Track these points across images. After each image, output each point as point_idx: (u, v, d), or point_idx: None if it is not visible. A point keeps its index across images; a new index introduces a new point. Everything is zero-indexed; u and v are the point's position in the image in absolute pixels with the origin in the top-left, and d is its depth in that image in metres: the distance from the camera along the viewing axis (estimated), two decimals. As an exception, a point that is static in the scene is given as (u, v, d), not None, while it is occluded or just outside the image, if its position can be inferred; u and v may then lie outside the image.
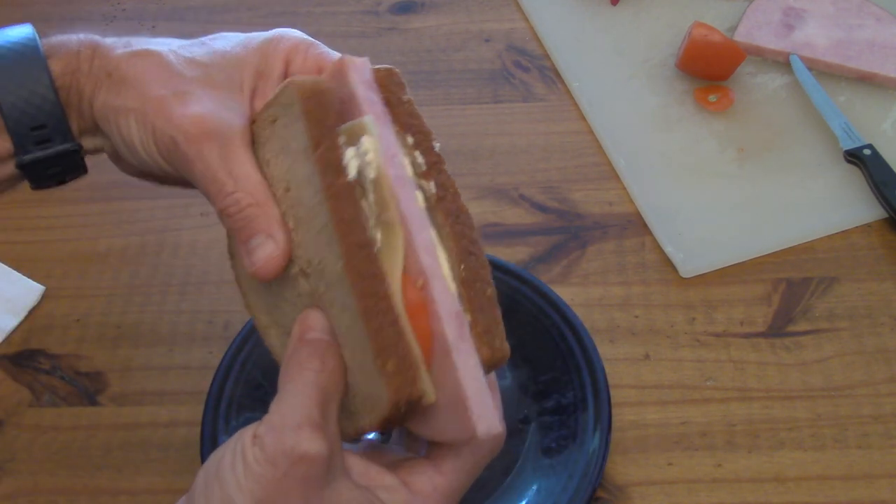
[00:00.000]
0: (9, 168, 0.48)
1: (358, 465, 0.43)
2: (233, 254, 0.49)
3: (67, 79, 0.48)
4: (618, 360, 0.65)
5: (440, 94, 0.83)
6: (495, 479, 0.60)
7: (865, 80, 0.80)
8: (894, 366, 0.64)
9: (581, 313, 0.65)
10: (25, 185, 0.78)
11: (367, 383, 0.42)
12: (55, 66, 0.47)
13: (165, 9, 0.92)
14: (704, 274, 0.70)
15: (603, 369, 0.61)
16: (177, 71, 0.46)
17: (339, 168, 0.42)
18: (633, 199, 0.74)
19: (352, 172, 0.42)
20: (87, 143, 0.49)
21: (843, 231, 0.71)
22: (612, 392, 0.61)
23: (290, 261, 0.45)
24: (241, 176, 0.45)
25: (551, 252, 0.71)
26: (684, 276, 0.69)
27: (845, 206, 0.72)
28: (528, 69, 0.84)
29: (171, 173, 0.48)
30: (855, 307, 0.67)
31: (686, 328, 0.67)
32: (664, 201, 0.73)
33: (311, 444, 0.40)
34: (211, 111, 0.45)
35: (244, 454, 0.40)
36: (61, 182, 0.51)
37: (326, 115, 0.44)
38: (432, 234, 0.44)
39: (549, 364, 0.63)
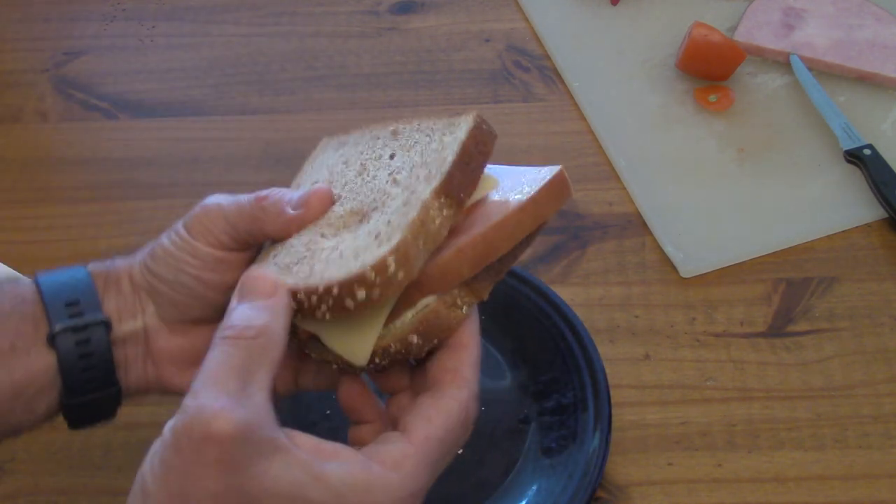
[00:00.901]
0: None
1: (308, 442, 0.40)
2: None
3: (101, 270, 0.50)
4: (618, 360, 0.65)
5: (440, 94, 0.83)
6: (495, 478, 0.60)
7: (865, 80, 0.80)
8: (894, 366, 0.65)
9: (581, 313, 0.65)
10: (25, 185, 0.79)
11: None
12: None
13: (165, 9, 0.92)
14: (704, 274, 0.70)
15: (603, 369, 0.61)
16: None
17: None
18: (633, 199, 0.74)
19: None
20: (124, 326, 0.49)
21: (843, 231, 0.71)
22: (613, 392, 0.61)
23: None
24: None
25: (551, 252, 0.71)
26: (684, 276, 0.69)
27: (845, 206, 0.72)
28: (528, 69, 0.84)
29: (209, 275, 0.48)
30: (855, 307, 0.67)
31: (686, 328, 0.67)
32: (664, 201, 0.73)
33: (219, 422, 0.37)
34: None
35: (159, 444, 0.38)
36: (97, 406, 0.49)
37: None
38: None
39: (549, 364, 0.63)
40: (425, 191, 0.43)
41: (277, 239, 0.48)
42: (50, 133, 0.82)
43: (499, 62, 0.85)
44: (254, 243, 0.49)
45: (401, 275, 0.41)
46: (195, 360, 0.47)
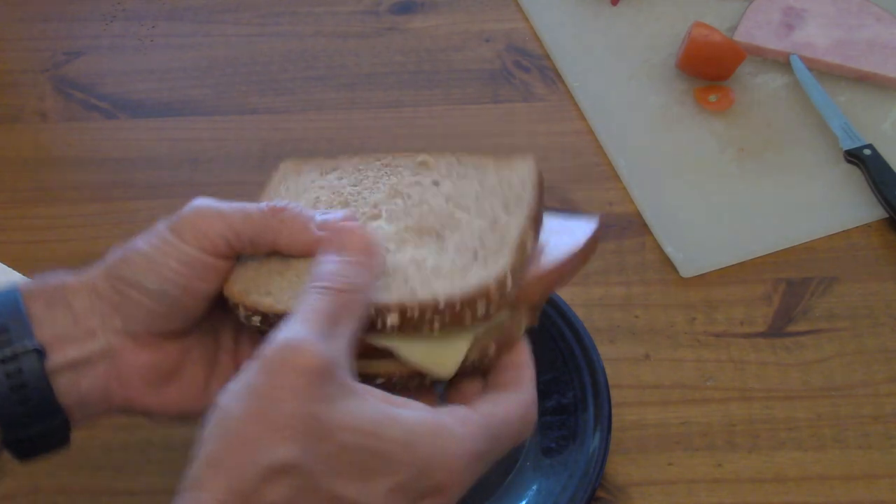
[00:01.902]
0: None
1: (380, 392, 0.41)
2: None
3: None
4: (618, 360, 0.65)
5: (440, 94, 0.83)
6: (495, 478, 0.60)
7: (865, 80, 0.80)
8: (894, 366, 0.65)
9: (581, 313, 0.65)
10: (25, 185, 0.79)
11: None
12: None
13: (165, 9, 0.92)
14: (704, 274, 0.70)
15: (603, 369, 0.61)
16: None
17: None
18: (633, 199, 0.74)
19: None
20: (69, 351, 0.44)
21: (843, 231, 0.72)
22: (612, 392, 0.61)
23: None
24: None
25: (551, 252, 0.71)
26: (684, 276, 0.69)
27: (845, 206, 0.72)
28: (528, 69, 0.84)
29: (196, 284, 0.46)
30: (855, 307, 0.67)
31: (686, 328, 0.67)
32: (664, 201, 0.73)
33: (307, 352, 0.38)
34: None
35: (241, 371, 0.39)
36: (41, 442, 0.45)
37: None
38: None
39: (550, 364, 0.63)
40: (513, 221, 0.46)
41: (288, 254, 0.46)
42: (50, 133, 0.82)
43: (499, 62, 0.85)
44: (250, 252, 0.47)
45: (513, 291, 0.44)
46: (170, 376, 0.47)
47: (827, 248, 0.71)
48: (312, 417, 0.38)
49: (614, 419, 0.60)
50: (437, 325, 0.43)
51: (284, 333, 0.39)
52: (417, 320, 0.43)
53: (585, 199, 0.74)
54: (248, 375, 0.38)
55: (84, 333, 0.45)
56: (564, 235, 0.49)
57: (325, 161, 0.53)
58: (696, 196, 0.73)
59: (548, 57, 0.85)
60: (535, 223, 0.47)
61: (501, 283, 0.43)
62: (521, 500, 0.58)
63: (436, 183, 0.49)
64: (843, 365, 0.65)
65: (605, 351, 0.65)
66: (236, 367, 0.47)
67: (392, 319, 0.43)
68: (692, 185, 0.74)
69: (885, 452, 0.61)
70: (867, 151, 0.74)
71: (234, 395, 0.38)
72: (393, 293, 0.43)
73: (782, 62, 0.82)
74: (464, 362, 0.45)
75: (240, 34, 0.89)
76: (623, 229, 0.72)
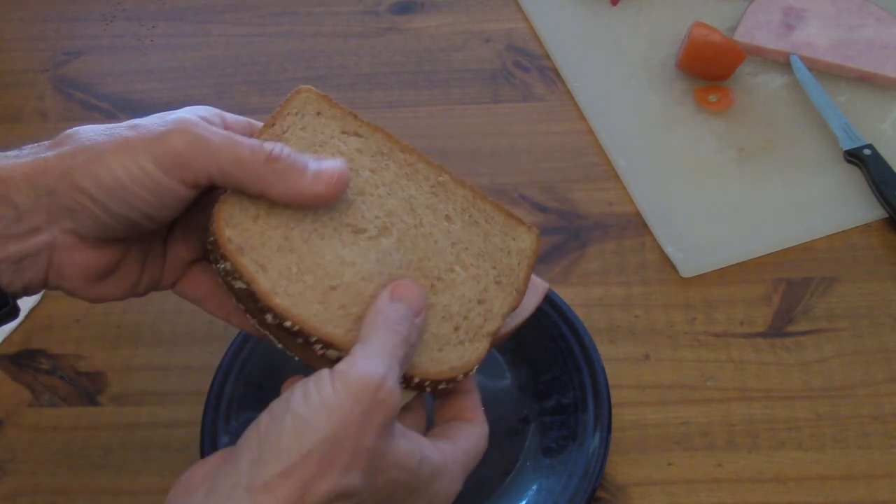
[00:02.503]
0: None
1: (411, 433, 0.45)
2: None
3: None
4: (618, 360, 0.65)
5: (440, 94, 0.83)
6: (495, 479, 0.60)
7: (865, 80, 0.80)
8: (894, 366, 0.65)
9: (581, 313, 0.65)
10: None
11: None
12: None
13: (165, 9, 0.92)
14: (704, 274, 0.70)
15: (603, 370, 0.61)
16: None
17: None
18: (633, 199, 0.74)
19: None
20: (11, 246, 0.44)
21: (843, 231, 0.72)
22: (612, 392, 0.61)
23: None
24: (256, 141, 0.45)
25: (551, 252, 0.71)
26: (684, 276, 0.69)
27: (845, 206, 0.72)
28: (528, 69, 0.84)
29: (165, 212, 0.45)
30: (855, 307, 0.67)
31: (686, 328, 0.67)
32: (664, 201, 0.73)
33: (392, 392, 0.41)
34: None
35: (321, 386, 0.41)
36: None
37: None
38: None
39: (550, 364, 0.63)
40: (498, 298, 0.49)
41: (280, 202, 0.45)
42: (50, 133, 0.81)
43: (499, 62, 0.85)
44: (233, 190, 0.45)
45: (472, 375, 0.48)
46: (108, 274, 0.47)
47: (827, 248, 0.71)
48: (380, 453, 0.41)
49: (614, 419, 0.60)
50: (413, 385, 0.47)
51: (371, 367, 0.41)
52: (415, 383, 0.47)
53: (585, 199, 0.74)
54: (332, 395, 0.40)
55: (26, 231, 0.44)
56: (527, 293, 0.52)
57: (348, 116, 0.50)
58: (696, 196, 0.73)
59: (548, 57, 0.85)
60: (517, 304, 0.50)
61: (468, 372, 0.47)
62: (521, 500, 0.58)
63: (448, 218, 0.50)
64: (843, 365, 0.65)
65: (605, 351, 0.65)
66: (165, 262, 0.50)
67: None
68: (692, 185, 0.74)
69: (885, 452, 0.61)
70: (867, 151, 0.74)
71: (318, 410, 0.40)
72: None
73: (782, 62, 0.82)
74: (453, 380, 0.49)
75: (240, 34, 0.89)
76: (623, 229, 0.72)
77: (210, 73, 0.86)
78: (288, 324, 0.44)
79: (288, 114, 0.49)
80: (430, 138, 0.79)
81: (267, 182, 0.43)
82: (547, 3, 0.88)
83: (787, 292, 0.68)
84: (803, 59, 0.80)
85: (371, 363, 0.41)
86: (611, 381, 0.62)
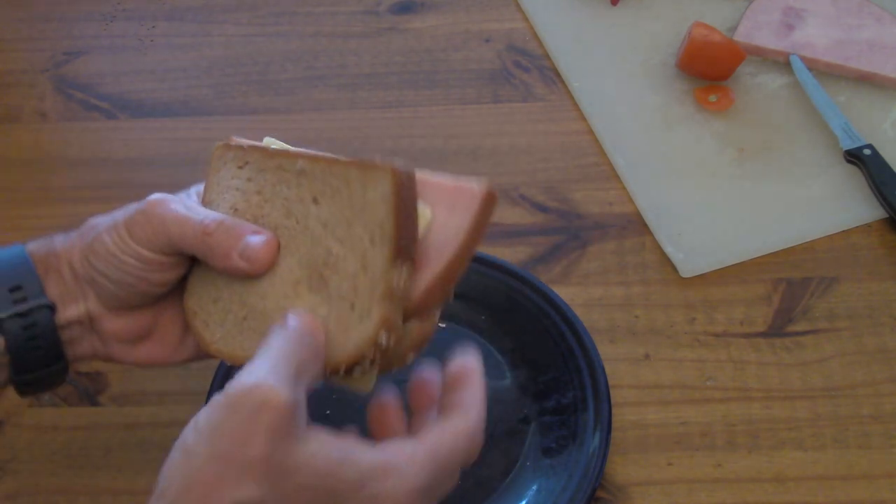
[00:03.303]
0: None
1: (329, 434, 0.43)
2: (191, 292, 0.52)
3: (42, 251, 0.51)
4: (618, 360, 0.65)
5: (440, 94, 0.83)
6: (495, 478, 0.60)
7: (865, 80, 0.80)
8: (894, 366, 0.64)
9: (581, 313, 0.65)
10: (25, 185, 0.79)
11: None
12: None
13: (165, 9, 0.92)
14: (704, 274, 0.70)
15: (603, 370, 0.61)
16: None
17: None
18: (633, 199, 0.74)
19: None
20: (68, 311, 0.50)
21: (843, 231, 0.71)
22: (612, 392, 0.61)
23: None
24: (208, 213, 0.49)
25: (551, 252, 0.71)
26: (684, 276, 0.69)
27: (845, 206, 0.72)
28: (528, 69, 0.84)
29: (151, 275, 0.49)
30: (855, 307, 0.67)
31: (686, 328, 0.67)
32: (664, 201, 0.73)
33: (274, 392, 0.40)
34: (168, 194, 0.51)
35: (205, 410, 0.41)
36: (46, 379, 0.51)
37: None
38: None
39: (550, 364, 0.63)
40: (378, 257, 0.46)
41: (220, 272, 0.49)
42: (50, 133, 0.82)
43: (499, 62, 0.85)
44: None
45: (392, 339, 0.46)
46: (141, 337, 0.52)
47: (827, 248, 0.71)
48: (276, 460, 0.40)
49: (614, 419, 0.60)
50: (335, 379, 0.47)
51: (251, 377, 0.41)
52: (327, 375, 0.46)
53: (585, 199, 0.74)
54: (214, 414, 0.40)
55: (72, 298, 0.50)
56: (452, 210, 0.48)
57: (242, 150, 0.52)
58: (696, 196, 0.73)
59: (548, 57, 0.85)
60: (400, 251, 0.46)
61: (375, 343, 0.45)
62: (521, 500, 0.58)
63: (315, 201, 0.49)
64: (843, 365, 0.65)
65: (605, 351, 0.65)
66: None
67: None
68: (692, 185, 0.74)
69: (885, 452, 0.61)
70: (867, 151, 0.74)
71: (199, 434, 0.40)
72: None
73: (782, 62, 0.82)
74: (390, 373, 0.48)
75: (240, 34, 0.89)
76: (623, 229, 0.72)
77: (210, 73, 0.86)
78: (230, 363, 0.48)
79: (208, 178, 0.53)
80: (430, 138, 0.79)
81: (205, 254, 0.48)
82: (547, 3, 0.88)
83: (787, 292, 0.68)
84: (803, 59, 0.80)
85: (248, 370, 0.41)
86: (611, 382, 0.62)
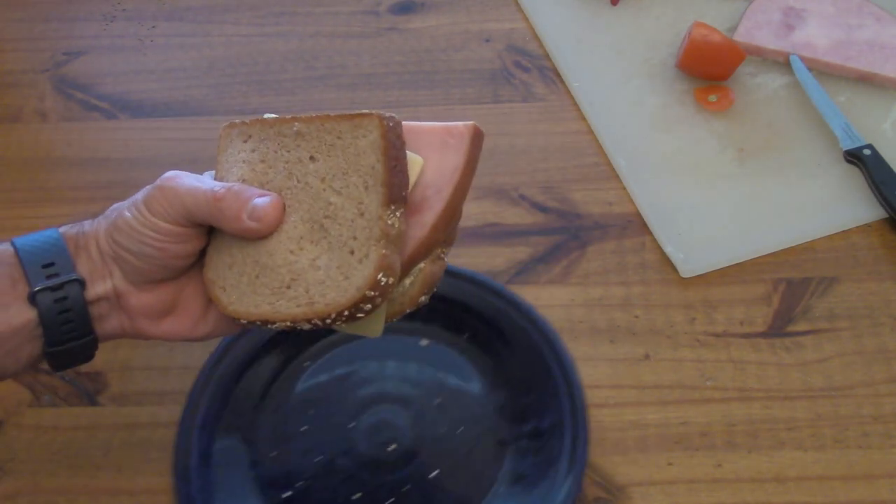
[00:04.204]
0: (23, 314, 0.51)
1: None
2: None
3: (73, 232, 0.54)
4: (618, 360, 0.65)
5: (440, 94, 0.83)
6: (471, 501, 0.59)
7: (865, 80, 0.80)
8: (894, 366, 0.65)
9: (581, 313, 0.65)
10: (25, 185, 0.79)
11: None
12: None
13: (165, 9, 0.92)
14: (704, 274, 0.70)
15: (582, 393, 0.61)
16: None
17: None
18: (633, 199, 0.74)
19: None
20: (96, 287, 0.53)
21: (843, 231, 0.72)
22: (613, 392, 0.61)
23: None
24: (218, 182, 0.52)
25: (551, 252, 0.71)
26: (684, 276, 0.69)
27: (845, 206, 0.72)
28: (528, 69, 0.84)
29: (171, 246, 0.52)
30: (855, 307, 0.67)
31: (686, 328, 0.67)
32: (664, 201, 0.73)
33: None
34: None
35: None
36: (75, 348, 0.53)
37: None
38: None
39: (528, 387, 0.63)
40: (372, 201, 0.49)
41: (236, 236, 0.52)
42: (50, 133, 0.82)
43: (499, 62, 0.85)
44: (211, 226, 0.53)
45: (391, 280, 0.48)
46: (166, 312, 0.54)
47: (827, 248, 0.71)
48: None
49: (613, 419, 0.60)
50: (339, 323, 0.49)
51: None
52: (327, 323, 0.49)
53: (585, 199, 0.74)
54: None
55: (100, 275, 0.52)
56: (444, 151, 0.51)
57: (245, 125, 0.54)
58: (696, 196, 0.73)
59: (548, 57, 0.85)
60: (392, 193, 0.49)
61: (375, 284, 0.48)
62: None
63: (312, 158, 0.51)
64: (843, 365, 0.65)
65: (605, 351, 0.65)
66: None
67: (306, 327, 0.50)
68: (692, 185, 0.74)
69: (885, 452, 0.61)
70: (867, 151, 0.74)
71: None
72: (299, 307, 0.49)
73: (782, 62, 0.82)
74: (402, 314, 0.52)
75: (240, 34, 0.89)
76: (623, 229, 0.72)
77: (210, 73, 0.86)
78: (245, 322, 0.51)
79: (218, 158, 0.55)
80: (430, 138, 0.79)
81: (218, 219, 0.51)
82: (547, 3, 0.88)
83: (787, 292, 0.68)
84: (803, 59, 0.80)
85: None
86: (611, 381, 0.62)
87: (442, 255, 0.53)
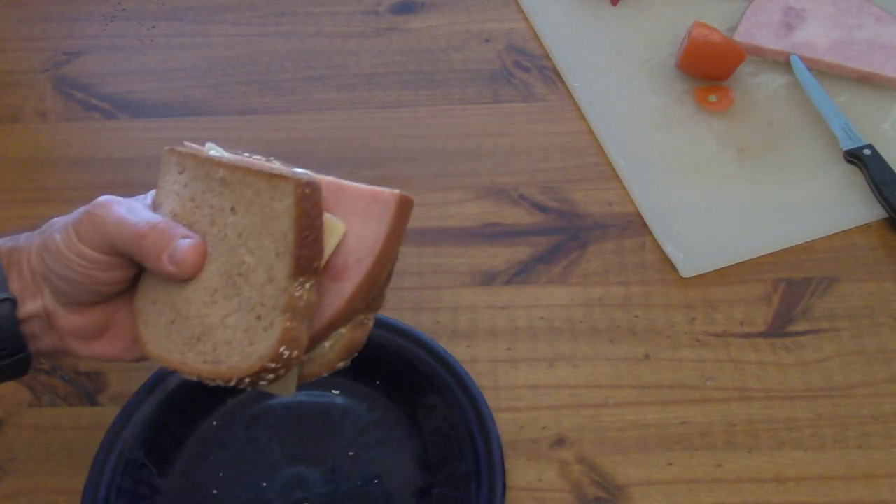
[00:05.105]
0: None
1: None
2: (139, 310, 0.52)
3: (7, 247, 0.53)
4: (618, 360, 0.65)
5: (440, 94, 0.83)
6: None
7: (865, 80, 0.80)
8: (894, 366, 0.65)
9: (581, 313, 0.65)
10: (25, 185, 0.79)
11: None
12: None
13: (165, 9, 0.92)
14: (704, 274, 0.70)
15: (497, 435, 0.60)
16: None
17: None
18: (633, 199, 0.74)
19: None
20: (27, 306, 0.52)
21: (843, 231, 0.72)
22: (613, 392, 0.61)
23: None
24: (147, 215, 0.51)
25: (551, 252, 0.71)
26: (684, 276, 0.69)
27: (845, 206, 0.72)
28: (528, 69, 0.84)
29: (98, 274, 0.50)
30: (855, 307, 0.67)
31: (686, 328, 0.67)
32: (664, 201, 0.73)
33: None
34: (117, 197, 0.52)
35: None
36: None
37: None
38: None
39: (442, 433, 0.61)
40: (282, 272, 0.46)
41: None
42: (50, 133, 0.82)
43: (499, 62, 0.85)
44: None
45: (295, 353, 0.46)
46: (97, 334, 0.53)
47: (827, 248, 0.71)
48: None
49: (613, 419, 0.60)
50: (243, 386, 0.48)
51: None
52: (231, 385, 0.48)
53: (585, 199, 0.74)
54: None
55: (31, 293, 0.51)
56: (367, 219, 0.48)
57: (181, 157, 0.53)
58: (696, 196, 0.73)
59: (548, 57, 0.85)
60: (301, 265, 0.46)
61: (277, 357, 0.46)
62: None
63: (233, 210, 0.49)
64: (843, 365, 0.65)
65: (605, 351, 0.65)
66: None
67: (212, 384, 0.48)
68: (692, 185, 0.74)
69: (885, 452, 0.61)
70: (867, 151, 0.74)
71: None
72: (205, 364, 0.48)
73: (782, 62, 0.82)
74: (319, 377, 0.50)
75: (240, 34, 0.89)
76: (623, 229, 0.72)
77: (210, 73, 0.86)
78: (232, 382, 0.48)
79: (160, 179, 0.54)
80: (430, 138, 0.79)
81: (139, 256, 0.49)
82: (547, 3, 0.88)
83: (787, 292, 0.68)
84: (803, 59, 0.80)
85: None
86: (611, 381, 0.62)
87: (365, 321, 0.50)
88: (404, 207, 0.48)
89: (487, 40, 0.87)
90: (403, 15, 0.90)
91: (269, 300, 0.47)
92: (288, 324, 0.46)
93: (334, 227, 0.48)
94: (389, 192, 0.47)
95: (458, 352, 0.65)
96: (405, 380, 0.63)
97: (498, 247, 0.72)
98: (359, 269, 0.47)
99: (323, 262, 0.47)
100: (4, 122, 0.83)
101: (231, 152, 0.53)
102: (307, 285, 0.46)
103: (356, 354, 0.50)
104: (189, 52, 0.88)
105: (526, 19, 0.88)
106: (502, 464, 0.58)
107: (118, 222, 0.49)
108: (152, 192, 0.54)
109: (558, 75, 0.83)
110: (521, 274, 0.70)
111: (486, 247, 0.72)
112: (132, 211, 0.50)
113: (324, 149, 0.79)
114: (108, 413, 0.65)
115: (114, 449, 0.60)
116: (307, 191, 0.46)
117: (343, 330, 0.49)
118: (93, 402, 0.65)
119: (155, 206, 0.53)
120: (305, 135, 0.80)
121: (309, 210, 0.46)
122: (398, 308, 0.69)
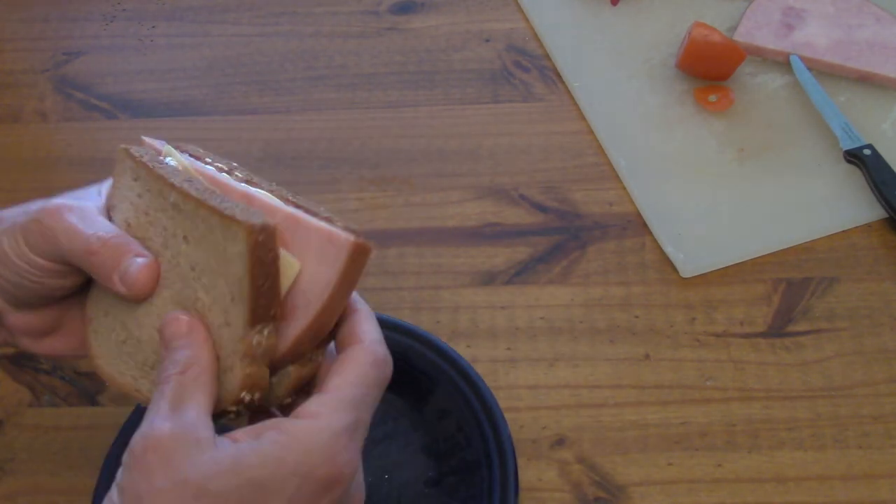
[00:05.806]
0: None
1: (238, 434, 0.43)
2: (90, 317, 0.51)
3: None
4: (618, 360, 0.65)
5: (440, 94, 0.83)
6: None
7: (865, 80, 0.80)
8: (894, 366, 0.65)
9: (581, 313, 0.65)
10: (25, 185, 0.79)
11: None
12: None
13: (165, 9, 0.92)
14: (704, 274, 0.70)
15: (504, 420, 0.60)
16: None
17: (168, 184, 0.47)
18: (633, 199, 0.74)
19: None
20: None
21: (843, 231, 0.72)
22: (613, 392, 0.61)
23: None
24: (100, 226, 0.48)
25: (551, 252, 0.71)
26: (684, 276, 0.69)
27: (845, 206, 0.72)
28: (528, 69, 0.84)
29: (49, 281, 0.49)
30: (855, 307, 0.67)
31: (686, 328, 0.67)
32: (664, 201, 0.73)
33: (154, 432, 0.41)
34: (68, 198, 0.50)
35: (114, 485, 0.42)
36: None
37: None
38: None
39: (452, 422, 0.61)
40: (238, 318, 0.44)
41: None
42: (50, 133, 0.82)
43: (499, 62, 0.85)
44: None
45: (257, 396, 0.45)
46: (47, 332, 0.52)
47: (827, 248, 0.71)
48: (180, 484, 0.40)
49: (613, 419, 0.60)
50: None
51: (139, 431, 0.42)
52: None
53: (585, 199, 0.74)
54: (119, 477, 0.42)
55: None
56: (321, 261, 0.45)
57: (135, 164, 0.50)
58: (696, 196, 0.73)
59: (548, 57, 0.85)
60: (258, 314, 0.44)
61: (238, 400, 0.45)
62: None
63: (186, 239, 0.46)
64: (843, 365, 0.65)
65: (605, 351, 0.65)
66: None
67: None
68: (692, 185, 0.74)
69: (885, 452, 0.61)
70: (867, 151, 0.74)
71: (119, 491, 0.41)
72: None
73: (782, 62, 0.82)
74: (270, 412, 0.48)
75: (240, 34, 0.89)
76: (623, 229, 0.72)
77: (210, 73, 0.86)
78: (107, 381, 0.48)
79: (115, 179, 0.51)
80: (430, 138, 0.79)
81: (90, 272, 0.47)
82: (547, 3, 0.88)
83: (787, 292, 0.68)
84: (803, 59, 0.80)
85: (140, 428, 0.42)
86: (611, 381, 0.62)
87: (314, 358, 0.48)
88: (359, 255, 0.44)
89: (487, 40, 0.87)
90: (403, 15, 0.90)
91: (228, 343, 0.45)
92: (248, 370, 0.44)
93: (289, 266, 0.45)
94: (345, 238, 0.44)
95: (458, 351, 0.65)
96: (406, 372, 0.63)
97: (498, 247, 0.72)
98: (306, 314, 0.45)
99: (278, 307, 0.45)
100: (4, 122, 0.83)
101: (189, 154, 0.51)
102: (265, 332, 0.44)
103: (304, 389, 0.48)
104: (189, 52, 0.88)
105: (526, 19, 0.88)
106: (511, 445, 0.59)
107: (69, 232, 0.47)
108: (109, 182, 0.52)
109: (558, 75, 0.83)
110: (521, 274, 0.70)
111: (486, 247, 0.72)
112: (84, 219, 0.48)
113: (324, 149, 0.79)
114: (108, 413, 0.65)
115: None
116: (261, 238, 0.43)
117: (290, 368, 0.47)
118: (93, 402, 0.66)
119: (109, 207, 0.50)
120: (305, 135, 0.80)
121: (263, 258, 0.43)
122: (398, 308, 0.69)
